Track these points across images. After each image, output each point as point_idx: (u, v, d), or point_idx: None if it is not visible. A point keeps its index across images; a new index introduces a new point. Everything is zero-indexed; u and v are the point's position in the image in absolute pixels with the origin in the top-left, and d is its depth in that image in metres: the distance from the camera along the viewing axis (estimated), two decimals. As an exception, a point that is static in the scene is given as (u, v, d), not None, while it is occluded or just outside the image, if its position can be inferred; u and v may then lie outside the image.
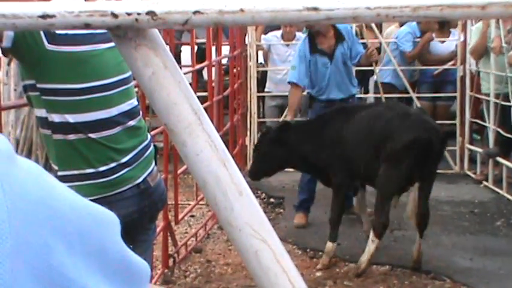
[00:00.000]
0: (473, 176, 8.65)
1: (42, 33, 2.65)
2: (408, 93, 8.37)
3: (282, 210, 7.19)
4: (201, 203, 6.73)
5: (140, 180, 2.98)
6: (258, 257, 0.75)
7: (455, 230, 6.69)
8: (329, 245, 5.81)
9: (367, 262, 5.56)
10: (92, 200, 2.10)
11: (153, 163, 3.07)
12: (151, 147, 3.10)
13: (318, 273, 5.71)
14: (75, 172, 2.87)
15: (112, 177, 2.91)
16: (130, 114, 2.98)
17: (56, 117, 2.81)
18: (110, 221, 0.53)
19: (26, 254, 0.44)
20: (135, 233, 3.04)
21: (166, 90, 0.75)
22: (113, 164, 2.91)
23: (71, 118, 2.81)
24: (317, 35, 6.68)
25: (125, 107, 2.94)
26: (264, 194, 7.70)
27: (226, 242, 6.26)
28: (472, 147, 8.81)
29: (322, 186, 7.74)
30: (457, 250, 6.11)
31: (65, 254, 0.46)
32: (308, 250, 6.21)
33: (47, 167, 3.75)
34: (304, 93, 6.99)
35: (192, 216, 7.10)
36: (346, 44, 6.68)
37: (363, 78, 9.48)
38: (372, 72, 9.55)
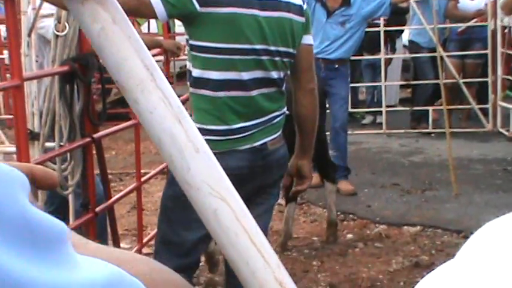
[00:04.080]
0: (506, 133, 8.54)
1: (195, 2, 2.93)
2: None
3: (312, 174, 7.15)
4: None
5: (258, 143, 3.13)
6: (217, 216, 0.72)
7: (487, 188, 6.61)
8: None
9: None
10: None
11: (279, 131, 3.22)
12: (281, 117, 3.24)
13: (349, 236, 5.68)
14: (199, 125, 3.01)
15: (230, 137, 3.09)
16: (265, 82, 3.13)
17: (195, 72, 3.08)
18: (9, 178, 0.50)
19: None
20: (252, 193, 3.16)
21: (116, 46, 0.72)
22: (234, 126, 3.08)
23: (205, 74, 3.05)
24: None
25: (259, 74, 3.10)
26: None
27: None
28: (505, 104, 8.68)
29: (353, 148, 7.73)
30: (489, 208, 6.03)
31: None
32: (338, 213, 6.18)
33: (71, 136, 3.75)
34: None
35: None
36: (352, 9, 6.57)
37: (391, 39, 9.37)
38: (400, 32, 9.44)
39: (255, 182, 3.19)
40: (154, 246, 3.57)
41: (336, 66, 6.61)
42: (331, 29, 6.55)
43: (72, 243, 0.60)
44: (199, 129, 2.86)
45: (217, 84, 3.06)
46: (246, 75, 3.08)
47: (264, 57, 3.09)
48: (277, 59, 3.13)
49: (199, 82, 3.10)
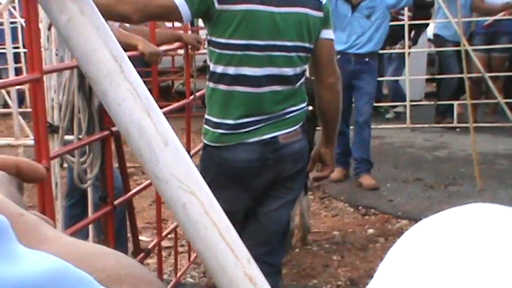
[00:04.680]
0: (533, 128, 8.42)
1: None
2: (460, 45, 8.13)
3: (334, 168, 7.11)
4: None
5: (268, 136, 3.20)
6: (186, 209, 0.71)
7: (513, 184, 6.54)
8: None
9: None
10: (215, 147, 2.64)
11: (295, 126, 3.26)
12: (299, 111, 3.29)
13: (370, 230, 5.65)
14: (211, 118, 3.21)
15: (237, 131, 3.17)
16: (278, 80, 3.19)
17: (211, 66, 3.19)
18: None
19: None
20: (267, 186, 3.29)
21: (84, 37, 0.71)
22: (242, 120, 3.17)
23: (219, 69, 3.15)
24: None
25: (272, 71, 3.16)
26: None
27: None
28: (532, 99, 8.57)
29: (376, 143, 7.68)
30: (514, 204, 5.95)
31: None
32: (360, 208, 6.15)
33: (90, 129, 3.76)
34: None
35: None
36: (376, 0, 6.50)
37: (417, 32, 9.29)
38: (425, 26, 9.35)
39: (268, 174, 3.24)
40: None
41: (367, 60, 6.58)
42: (357, 23, 6.51)
43: (45, 237, 0.60)
44: (210, 121, 2.93)
45: (229, 78, 3.16)
46: (259, 72, 3.15)
47: (279, 53, 3.16)
48: (292, 54, 3.18)
49: (213, 76, 3.20)
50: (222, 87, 3.18)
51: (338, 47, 6.51)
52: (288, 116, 3.24)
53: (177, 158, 0.72)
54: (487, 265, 0.52)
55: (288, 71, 3.19)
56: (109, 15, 3.28)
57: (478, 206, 0.62)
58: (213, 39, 3.15)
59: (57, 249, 0.59)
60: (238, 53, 3.12)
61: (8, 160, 0.68)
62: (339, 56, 6.45)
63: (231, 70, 3.14)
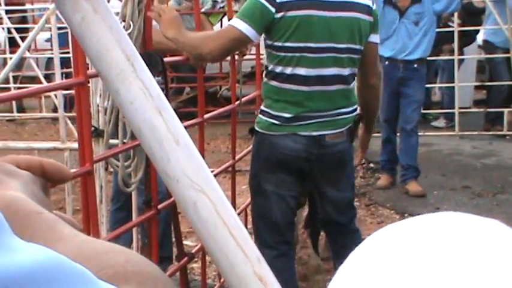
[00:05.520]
0: None
1: (272, 9, 3.31)
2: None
3: (381, 176, 7.06)
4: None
5: (316, 133, 3.46)
6: (197, 208, 0.71)
7: None
8: None
9: None
10: (266, 134, 3.11)
11: (342, 128, 3.52)
12: (349, 115, 3.54)
13: (416, 238, 5.58)
14: (266, 109, 3.51)
15: (290, 124, 3.44)
16: (330, 79, 3.44)
17: (269, 66, 3.50)
18: None
19: None
20: (308, 179, 3.59)
21: (96, 36, 0.72)
22: (294, 115, 3.43)
23: (276, 69, 3.45)
24: None
25: (324, 71, 3.41)
26: (363, 160, 7.54)
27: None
28: None
29: (424, 150, 7.59)
30: None
31: None
32: (406, 215, 6.07)
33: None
34: None
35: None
36: (423, 6, 6.42)
37: (468, 38, 9.16)
38: (476, 32, 9.21)
39: (314, 169, 3.50)
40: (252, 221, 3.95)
41: (415, 66, 6.52)
42: (405, 29, 6.45)
43: (61, 235, 0.61)
44: (266, 112, 3.23)
45: (285, 77, 3.42)
46: (312, 72, 3.39)
47: (331, 55, 3.38)
48: (344, 56, 3.40)
49: (270, 74, 3.50)
50: (277, 84, 3.46)
51: (386, 54, 6.46)
52: (337, 117, 3.47)
53: (188, 156, 0.72)
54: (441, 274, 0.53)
55: (339, 71, 3.42)
56: (191, 54, 3.56)
57: (447, 214, 0.62)
58: (271, 42, 3.42)
59: (71, 246, 0.60)
60: (297, 54, 3.36)
61: (33, 161, 0.69)
62: (387, 63, 6.42)
63: (288, 70, 3.40)
